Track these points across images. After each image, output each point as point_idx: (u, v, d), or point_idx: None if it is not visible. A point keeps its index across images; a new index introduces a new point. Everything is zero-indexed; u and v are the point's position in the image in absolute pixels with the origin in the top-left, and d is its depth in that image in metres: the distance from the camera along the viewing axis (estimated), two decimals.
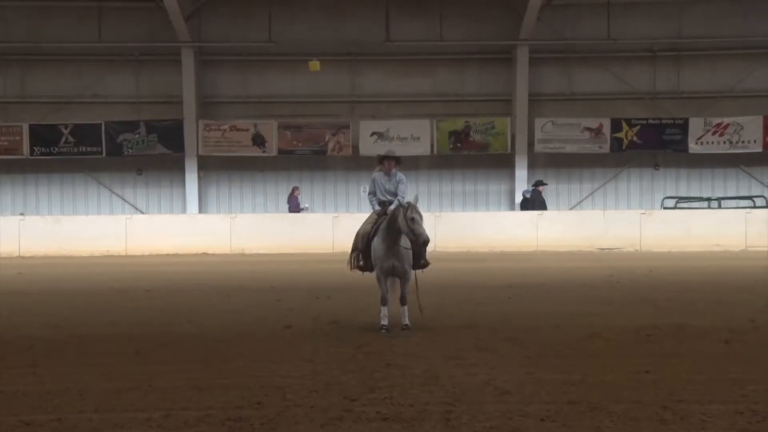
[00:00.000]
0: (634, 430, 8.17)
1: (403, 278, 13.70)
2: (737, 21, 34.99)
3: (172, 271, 25.38)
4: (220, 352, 12.16)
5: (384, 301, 13.64)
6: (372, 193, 14.53)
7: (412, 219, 13.21)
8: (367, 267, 14.17)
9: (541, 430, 8.22)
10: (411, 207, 13.33)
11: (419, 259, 13.94)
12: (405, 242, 13.54)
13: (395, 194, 14.20)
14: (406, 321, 13.63)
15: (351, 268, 14.62)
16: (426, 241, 13.27)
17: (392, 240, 13.49)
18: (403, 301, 13.73)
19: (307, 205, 34.51)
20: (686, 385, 9.77)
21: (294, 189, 34.50)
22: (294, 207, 33.95)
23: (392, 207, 13.63)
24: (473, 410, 8.80)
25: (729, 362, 11.12)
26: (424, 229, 13.24)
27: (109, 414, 8.87)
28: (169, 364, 11.38)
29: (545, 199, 33.46)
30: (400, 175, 14.44)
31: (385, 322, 13.55)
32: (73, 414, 8.89)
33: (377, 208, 14.23)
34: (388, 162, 14.48)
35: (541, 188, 33.41)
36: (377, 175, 14.55)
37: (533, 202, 33.11)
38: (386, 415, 8.67)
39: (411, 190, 38.09)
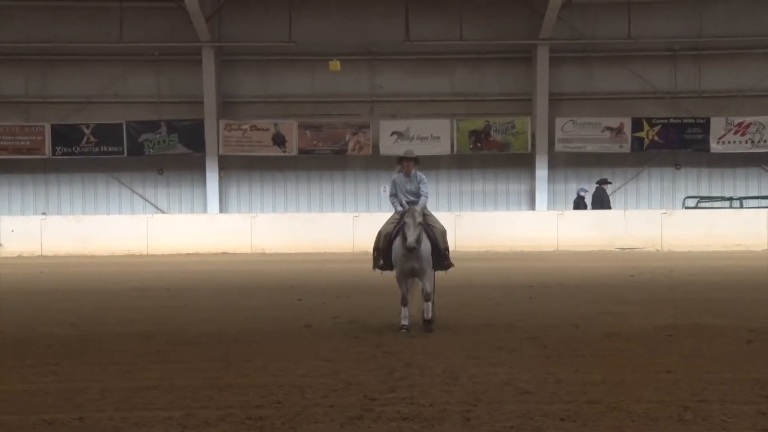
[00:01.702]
0: (654, 430, 8.12)
1: (424, 277, 13.57)
2: (758, 19, 34.83)
3: (192, 270, 25.45)
4: (240, 351, 12.17)
5: (404, 302, 13.58)
6: (393, 195, 14.36)
7: (405, 223, 13.24)
8: (387, 266, 14.05)
9: (561, 430, 8.18)
10: (409, 211, 13.34)
11: (442, 260, 13.91)
12: (425, 242, 13.48)
13: (417, 195, 14.09)
14: (429, 315, 13.58)
15: (373, 267, 14.51)
16: (408, 248, 13.12)
17: None
18: (426, 297, 13.60)
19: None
20: (707, 385, 9.71)
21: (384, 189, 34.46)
22: None
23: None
24: (493, 410, 8.77)
25: (750, 362, 11.06)
26: (411, 235, 13.10)
27: (130, 413, 8.87)
28: (189, 363, 11.39)
29: (608, 198, 33.39)
30: (421, 175, 14.30)
31: (405, 322, 13.48)
32: (95, 413, 8.89)
33: (399, 209, 14.06)
34: (407, 163, 14.31)
35: (605, 186, 33.35)
36: (397, 176, 14.41)
37: (594, 200, 33.06)
38: (406, 414, 8.65)
39: (431, 190, 38.34)
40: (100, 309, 17.07)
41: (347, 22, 35.32)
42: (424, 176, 14.35)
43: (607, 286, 20.17)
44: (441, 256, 13.88)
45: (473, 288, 19.18)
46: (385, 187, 35.61)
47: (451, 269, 14.34)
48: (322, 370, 10.72)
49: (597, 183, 33.65)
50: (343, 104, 35.95)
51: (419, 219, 13.30)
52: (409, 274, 13.64)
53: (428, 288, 13.60)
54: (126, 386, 10.03)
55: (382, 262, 14.13)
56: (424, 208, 13.91)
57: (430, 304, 13.62)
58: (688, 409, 8.73)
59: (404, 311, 13.56)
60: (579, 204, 33.57)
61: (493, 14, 35.31)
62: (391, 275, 14.19)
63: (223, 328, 14.26)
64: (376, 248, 14.34)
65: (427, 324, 13.58)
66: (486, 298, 17.96)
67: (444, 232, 14.10)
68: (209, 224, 32.81)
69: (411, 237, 13.09)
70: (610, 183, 33.78)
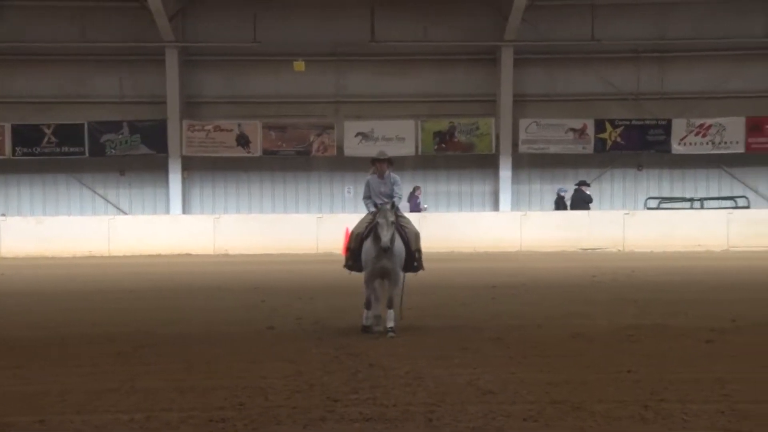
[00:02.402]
0: (616, 430, 8.18)
1: (393, 280, 13.49)
2: (720, 23, 35.12)
3: (155, 271, 25.33)
4: (203, 353, 12.13)
5: (368, 305, 13.55)
6: (367, 197, 14.18)
7: (378, 223, 13.18)
8: (356, 267, 13.96)
9: (524, 430, 8.23)
10: (381, 211, 13.25)
11: (412, 262, 13.85)
12: (398, 243, 13.43)
13: (391, 196, 13.95)
14: (391, 324, 13.33)
15: (344, 265, 14.42)
16: (383, 248, 13.03)
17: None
18: (390, 304, 13.46)
19: (426, 206, 34.43)
20: (668, 384, 9.80)
21: (416, 188, 34.32)
22: (414, 206, 33.80)
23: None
24: (456, 410, 8.81)
25: (710, 362, 11.17)
26: (385, 235, 13.04)
27: (92, 415, 8.84)
28: (151, 365, 11.35)
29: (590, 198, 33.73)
30: (395, 177, 14.18)
31: (367, 323, 13.52)
32: (56, 415, 8.85)
33: (372, 210, 13.87)
34: (380, 164, 14.17)
35: (585, 188, 33.60)
36: (371, 178, 14.25)
37: (575, 201, 33.37)
38: (369, 415, 8.67)
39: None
40: (62, 311, 16.97)
41: (312, 23, 35.26)
42: (398, 178, 14.23)
43: (570, 286, 20.28)
44: (412, 258, 13.80)
45: (438, 289, 19.20)
46: (349, 188, 35.64)
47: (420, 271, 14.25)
48: (285, 371, 10.72)
49: (576, 185, 33.92)
50: (308, 105, 35.91)
51: (392, 219, 13.21)
52: (379, 275, 13.52)
53: (394, 295, 13.52)
54: (88, 388, 9.98)
55: (351, 262, 14.05)
56: (397, 209, 13.82)
57: (392, 312, 13.43)
58: (649, 409, 8.80)
59: (366, 313, 13.58)
60: (559, 204, 33.85)
61: (458, 16, 35.36)
62: (358, 276, 14.15)
63: (186, 330, 14.22)
64: (348, 248, 14.31)
65: (390, 329, 13.32)
66: (450, 298, 18.01)
67: (417, 235, 14.02)
68: (172, 225, 32.65)
69: (385, 237, 13.03)
70: (589, 185, 34.00)
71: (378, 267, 13.39)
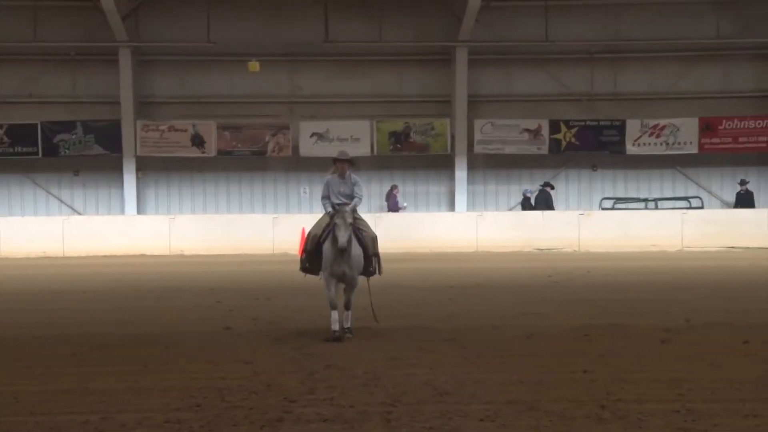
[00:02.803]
0: (572, 429, 8.24)
1: (350, 285, 13.39)
2: (672, 24, 35.38)
3: (110, 272, 25.19)
4: (159, 353, 12.10)
5: (333, 305, 13.20)
6: (326, 198, 13.86)
7: (335, 224, 13.02)
8: (314, 270, 13.79)
9: (480, 430, 8.26)
10: (339, 212, 13.11)
11: (369, 266, 13.71)
12: (356, 248, 13.32)
13: (350, 197, 13.71)
14: (349, 324, 13.29)
15: (300, 269, 14.18)
16: (340, 248, 12.90)
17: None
18: (348, 305, 13.39)
19: (405, 204, 34.37)
20: (623, 384, 9.87)
21: (393, 187, 34.34)
22: (393, 206, 33.66)
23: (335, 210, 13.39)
24: (413, 411, 8.84)
25: (665, 361, 11.29)
26: (342, 236, 12.90)
27: (45, 417, 8.78)
28: (106, 366, 11.28)
29: (552, 200, 34.01)
30: (355, 177, 13.95)
31: (336, 327, 13.07)
32: (9, 417, 8.81)
33: (329, 210, 13.61)
34: (341, 164, 13.91)
35: (549, 189, 33.84)
36: (330, 178, 13.97)
37: (539, 201, 33.68)
38: (326, 416, 8.68)
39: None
40: (15, 312, 16.85)
41: (266, 23, 35.14)
42: (358, 179, 14.00)
43: (526, 286, 20.39)
44: (369, 262, 13.67)
45: (393, 289, 19.21)
46: (305, 188, 35.58)
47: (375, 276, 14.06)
48: (242, 372, 10.72)
49: (541, 186, 34.18)
50: (263, 105, 35.76)
51: (350, 220, 13.06)
52: (339, 279, 13.36)
53: (351, 297, 13.46)
54: (41, 390, 9.94)
55: (307, 264, 13.86)
56: (355, 211, 13.61)
57: (350, 313, 13.38)
58: (604, 408, 8.87)
59: (334, 315, 13.14)
60: (525, 204, 34.07)
61: (412, 16, 35.40)
62: (314, 278, 14.08)
63: (142, 331, 14.17)
64: (304, 249, 14.11)
65: (348, 330, 13.26)
66: (406, 299, 18.04)
67: (374, 238, 13.89)
68: (127, 226, 32.45)
69: (342, 237, 12.87)
70: (553, 188, 34.22)
71: (338, 271, 13.22)
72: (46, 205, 35.53)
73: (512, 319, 14.92)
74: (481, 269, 24.86)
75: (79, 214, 35.01)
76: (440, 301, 17.71)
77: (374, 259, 13.82)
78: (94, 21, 33.92)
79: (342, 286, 13.52)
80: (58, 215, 34.35)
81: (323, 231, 13.58)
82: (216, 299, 18.13)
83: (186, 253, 31.03)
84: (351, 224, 13.09)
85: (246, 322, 14.97)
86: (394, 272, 22.91)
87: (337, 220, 13.02)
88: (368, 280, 13.90)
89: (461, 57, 34.66)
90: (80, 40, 34.49)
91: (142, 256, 30.69)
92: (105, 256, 30.35)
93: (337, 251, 13.02)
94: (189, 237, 31.64)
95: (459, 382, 10.05)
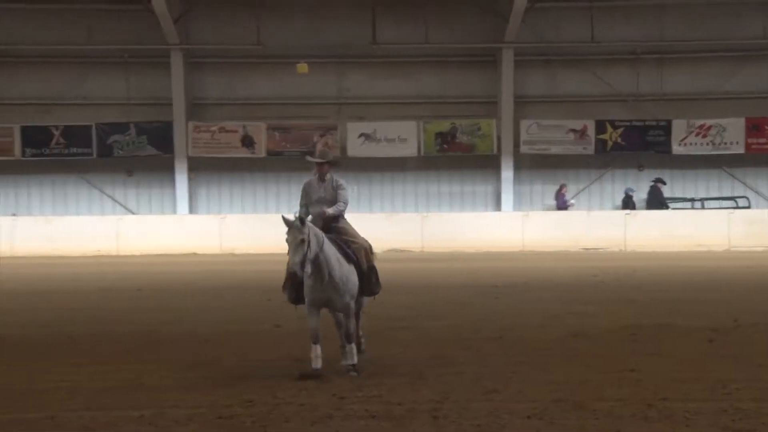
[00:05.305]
0: (618, 428, 8.28)
1: (344, 312, 11.00)
2: (718, 24, 35.14)
3: (162, 271, 25.44)
4: (210, 351, 12.27)
5: (314, 339, 10.75)
6: (303, 206, 11.60)
7: (288, 242, 10.48)
8: (299, 299, 11.13)
9: (527, 428, 8.34)
10: (291, 229, 10.48)
11: (368, 283, 11.33)
12: (343, 266, 10.88)
13: (332, 203, 11.48)
14: (354, 361, 10.88)
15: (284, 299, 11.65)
16: (290, 273, 10.72)
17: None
18: (348, 338, 10.99)
19: (573, 201, 34.55)
20: (670, 383, 9.91)
21: (561, 186, 34.47)
22: (561, 204, 33.85)
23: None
24: (460, 408, 8.93)
25: (712, 361, 11.28)
26: (292, 258, 10.41)
27: (100, 412, 8.97)
28: (159, 363, 11.48)
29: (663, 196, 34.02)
30: (338, 180, 11.64)
31: (317, 364, 10.63)
32: (65, 412, 8.99)
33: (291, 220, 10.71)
34: (320, 167, 11.64)
35: (660, 185, 33.91)
36: (307, 182, 11.83)
37: (653, 198, 33.75)
38: (375, 412, 8.78)
39: (399, 191, 37.90)
40: (71, 310, 17.08)
41: (314, 25, 35.32)
42: (342, 182, 11.67)
43: (572, 286, 20.36)
44: (366, 279, 11.27)
45: (439, 288, 19.34)
46: (353, 187, 35.73)
47: (381, 281, 11.69)
48: (292, 369, 10.82)
49: (652, 182, 34.19)
50: (311, 106, 35.94)
51: (302, 237, 10.34)
52: (326, 307, 11.06)
53: (350, 327, 11.04)
54: (96, 386, 10.13)
55: (293, 295, 11.21)
56: (340, 218, 11.60)
57: (353, 346, 11.02)
58: (651, 407, 8.91)
59: (315, 350, 10.70)
60: (627, 203, 34.05)
61: (458, 18, 35.41)
62: None
63: (194, 329, 14.34)
64: (287, 273, 11.19)
65: (352, 367, 10.85)
66: (452, 298, 18.09)
67: (367, 249, 11.45)
68: (178, 225, 32.77)
69: (292, 260, 10.40)
70: (665, 183, 34.18)
71: (321, 298, 10.83)
72: (101, 204, 35.89)
73: (558, 319, 14.95)
74: (526, 269, 24.85)
75: (133, 213, 35.39)
76: (486, 301, 17.74)
77: (373, 273, 11.46)
78: (146, 24, 34.26)
79: (339, 316, 11.30)
80: (112, 215, 34.71)
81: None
82: (266, 297, 18.26)
83: (236, 252, 31.25)
84: (305, 241, 10.35)
85: (296, 320, 15.02)
86: (439, 271, 23.07)
87: (288, 238, 10.49)
88: (374, 298, 11.79)
89: (507, 58, 34.64)
90: (132, 43, 34.81)
91: (194, 255, 30.91)
92: (158, 255, 30.56)
93: (316, 278, 10.64)
94: (239, 236, 31.86)
95: (505, 381, 10.12)
